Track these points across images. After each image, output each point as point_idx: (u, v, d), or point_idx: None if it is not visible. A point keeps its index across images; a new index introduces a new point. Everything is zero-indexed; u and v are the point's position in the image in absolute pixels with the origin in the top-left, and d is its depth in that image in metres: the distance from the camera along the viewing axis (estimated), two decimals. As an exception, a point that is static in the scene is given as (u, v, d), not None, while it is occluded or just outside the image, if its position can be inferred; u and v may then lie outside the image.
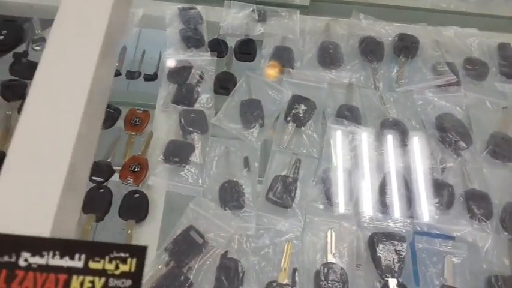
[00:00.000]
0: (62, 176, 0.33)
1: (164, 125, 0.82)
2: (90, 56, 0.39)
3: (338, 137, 0.81)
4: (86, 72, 0.38)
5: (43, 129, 0.36)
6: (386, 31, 0.96)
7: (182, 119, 0.80)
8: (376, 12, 0.99)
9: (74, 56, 0.40)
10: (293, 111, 0.82)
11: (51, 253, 0.28)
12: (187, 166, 0.77)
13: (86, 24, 0.42)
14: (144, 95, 0.93)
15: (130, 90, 0.93)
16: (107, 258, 0.28)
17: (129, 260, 0.28)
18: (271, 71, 0.89)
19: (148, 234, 0.72)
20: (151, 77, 0.86)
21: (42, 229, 0.31)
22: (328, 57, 0.90)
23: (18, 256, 0.27)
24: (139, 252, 0.28)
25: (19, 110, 0.80)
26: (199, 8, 0.96)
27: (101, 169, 0.75)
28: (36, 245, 0.28)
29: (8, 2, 0.93)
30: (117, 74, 0.85)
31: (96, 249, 0.28)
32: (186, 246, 0.69)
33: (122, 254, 0.28)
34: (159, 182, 0.76)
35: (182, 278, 0.67)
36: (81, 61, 0.39)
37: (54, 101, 0.38)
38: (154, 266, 0.68)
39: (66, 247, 0.28)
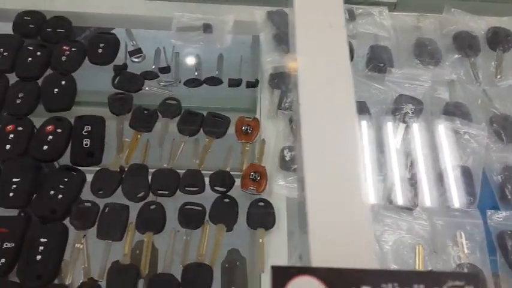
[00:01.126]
0: (367, 205, 0.32)
1: (272, 132, 0.81)
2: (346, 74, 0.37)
3: (450, 135, 0.80)
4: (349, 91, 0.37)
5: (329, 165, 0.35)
6: (478, 25, 0.95)
7: (294, 125, 0.79)
8: (464, 6, 0.97)
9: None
10: (402, 111, 0.81)
11: (389, 285, 0.27)
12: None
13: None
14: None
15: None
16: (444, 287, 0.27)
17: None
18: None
19: (277, 242, 0.72)
20: (253, 84, 0.85)
21: (367, 261, 0.30)
22: (427, 53, 0.89)
23: (357, 290, 0.27)
24: (474, 279, 0.27)
25: (130, 124, 0.79)
26: (286, 10, 0.95)
27: (223, 179, 0.74)
28: (376, 277, 0.27)
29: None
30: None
31: (434, 279, 0.27)
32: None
33: (458, 283, 0.27)
34: (279, 189, 0.75)
35: (320, 285, 0.67)
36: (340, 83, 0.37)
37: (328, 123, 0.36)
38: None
39: (405, 278, 0.27)
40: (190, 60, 0.89)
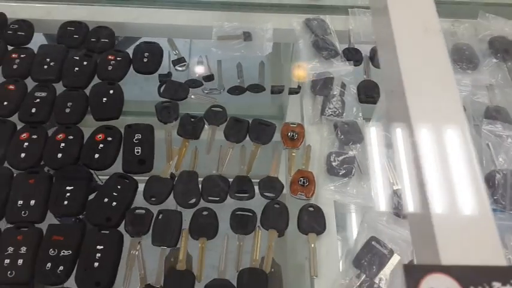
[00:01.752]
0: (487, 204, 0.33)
1: (316, 137, 0.81)
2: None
3: (495, 140, 0.80)
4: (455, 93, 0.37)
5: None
6: (510, 29, 0.95)
7: (339, 131, 0.80)
8: (498, 11, 0.98)
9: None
10: (444, 116, 0.82)
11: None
12: (352, 177, 0.76)
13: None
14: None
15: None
16: None
17: None
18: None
19: (329, 246, 0.72)
20: (296, 91, 0.86)
21: (495, 258, 0.31)
22: (465, 58, 0.89)
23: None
24: None
25: (178, 132, 0.80)
26: (323, 17, 0.95)
27: (272, 185, 0.75)
28: (507, 273, 0.27)
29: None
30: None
31: None
32: (372, 257, 0.69)
33: None
34: (329, 194, 0.75)
35: (375, 289, 0.67)
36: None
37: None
38: (344, 279, 0.68)
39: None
40: (232, 68, 0.90)
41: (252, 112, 0.91)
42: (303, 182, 0.75)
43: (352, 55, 0.90)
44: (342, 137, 0.79)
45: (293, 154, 0.79)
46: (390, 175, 0.77)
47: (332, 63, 0.88)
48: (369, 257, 0.69)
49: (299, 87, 0.86)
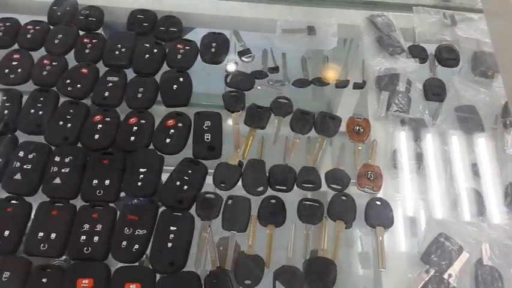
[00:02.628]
0: None
1: (382, 133, 0.81)
2: None
3: None
4: None
5: None
6: None
7: (406, 127, 0.79)
8: None
9: None
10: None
11: None
12: (419, 173, 0.76)
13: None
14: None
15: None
16: None
17: None
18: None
19: (395, 240, 0.72)
20: (361, 85, 0.86)
21: None
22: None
23: None
24: None
25: (245, 121, 0.81)
26: (387, 14, 0.95)
27: (339, 177, 0.75)
28: None
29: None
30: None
31: None
32: (441, 253, 0.68)
33: None
34: (393, 189, 0.75)
35: (444, 285, 0.66)
36: None
37: None
38: (412, 273, 0.68)
39: None
40: (297, 61, 0.90)
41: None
42: (370, 176, 0.75)
43: (417, 53, 0.90)
44: (410, 133, 0.79)
45: (359, 148, 0.79)
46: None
47: (397, 59, 0.88)
48: (438, 253, 0.68)
49: (364, 82, 0.86)
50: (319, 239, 0.71)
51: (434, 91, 0.85)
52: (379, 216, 0.72)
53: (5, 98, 0.79)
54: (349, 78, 0.87)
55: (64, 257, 0.69)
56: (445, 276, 0.67)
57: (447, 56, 0.89)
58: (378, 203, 0.73)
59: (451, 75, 0.88)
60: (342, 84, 0.86)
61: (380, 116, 0.82)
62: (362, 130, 0.80)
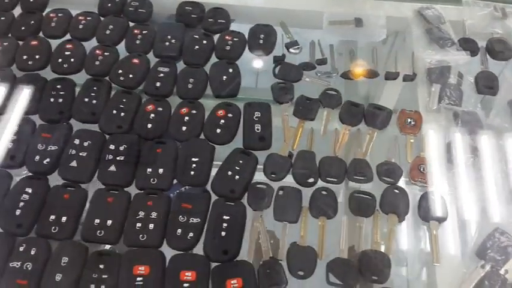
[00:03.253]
0: None
1: (433, 125, 0.79)
2: None
3: None
4: None
5: None
6: None
7: (460, 120, 0.77)
8: None
9: None
10: None
11: None
12: (473, 166, 0.74)
13: None
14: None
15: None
16: None
17: None
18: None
19: (449, 235, 0.70)
20: (411, 78, 0.84)
21: None
22: None
23: None
24: None
25: (294, 112, 0.80)
26: (436, 7, 0.93)
27: (391, 170, 0.73)
28: None
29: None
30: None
31: None
32: (497, 248, 0.67)
33: None
34: (447, 183, 0.73)
35: (500, 281, 0.65)
36: None
37: None
38: (467, 268, 0.66)
39: None
40: (345, 53, 0.88)
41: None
42: (423, 169, 0.73)
43: (468, 46, 0.87)
44: (461, 126, 0.77)
45: (411, 141, 0.77)
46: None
47: (448, 52, 0.86)
48: (494, 248, 0.67)
49: (414, 74, 0.84)
50: (370, 232, 0.70)
51: (487, 84, 0.82)
52: (433, 210, 0.70)
53: (59, 87, 0.80)
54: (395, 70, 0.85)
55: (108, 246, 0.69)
56: (502, 272, 0.65)
57: (499, 49, 0.86)
58: (432, 197, 0.71)
59: (503, 68, 0.86)
60: (391, 76, 0.85)
61: (432, 108, 0.80)
62: (414, 123, 0.78)
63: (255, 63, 0.88)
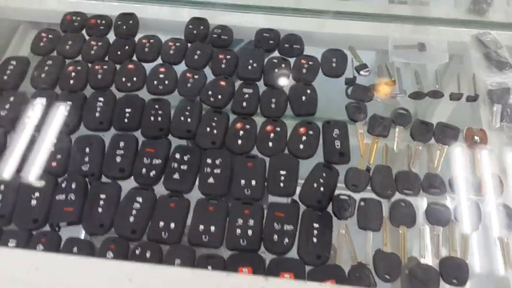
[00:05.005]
0: None
1: (496, 143, 0.83)
2: None
3: None
4: None
5: None
6: None
7: (523, 138, 0.81)
8: None
9: None
10: None
11: None
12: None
13: None
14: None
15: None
16: None
17: None
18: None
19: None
20: (474, 98, 0.88)
21: None
22: None
23: None
24: None
25: (368, 130, 0.85)
26: (492, 33, 0.97)
27: (463, 183, 0.78)
28: None
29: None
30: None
31: None
32: None
33: None
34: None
35: None
36: None
37: None
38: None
39: None
40: (411, 75, 0.93)
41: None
42: (495, 182, 0.77)
43: (525, 69, 0.91)
44: (526, 143, 0.81)
45: (477, 157, 0.81)
46: None
47: (506, 75, 0.90)
48: None
49: (477, 95, 0.88)
50: (446, 241, 0.74)
51: (546, 106, 0.86)
52: (504, 220, 0.74)
53: (156, 106, 0.86)
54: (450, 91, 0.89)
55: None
56: None
57: (556, 72, 0.90)
58: (500, 208, 0.75)
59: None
60: (456, 97, 0.89)
61: (494, 127, 0.84)
62: (480, 140, 0.82)
63: (328, 84, 0.93)
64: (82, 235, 0.75)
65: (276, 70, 0.91)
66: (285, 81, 0.91)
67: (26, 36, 1.06)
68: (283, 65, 0.92)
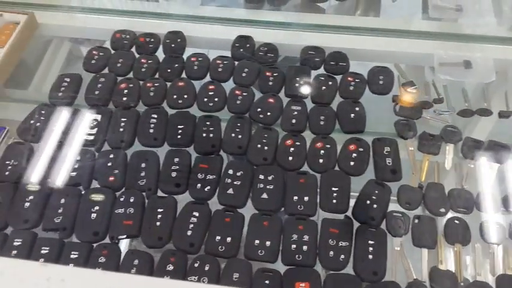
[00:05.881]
0: None
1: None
2: None
3: None
4: None
5: None
6: None
7: None
8: None
9: None
10: None
11: None
12: None
13: None
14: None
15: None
16: None
17: None
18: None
19: None
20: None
21: None
22: None
23: None
24: None
25: (419, 147, 0.86)
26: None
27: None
28: None
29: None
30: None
31: None
32: None
33: None
34: None
35: None
36: None
37: None
38: None
39: None
40: (458, 92, 0.95)
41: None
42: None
43: None
44: None
45: (532, 175, 0.82)
46: None
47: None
48: None
49: (520, 112, 0.89)
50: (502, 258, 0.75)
51: None
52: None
53: (208, 123, 0.89)
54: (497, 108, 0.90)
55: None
56: None
57: None
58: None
59: None
60: (505, 115, 0.90)
61: (545, 145, 0.85)
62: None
63: (375, 101, 0.94)
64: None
65: (323, 87, 0.94)
66: (331, 98, 0.93)
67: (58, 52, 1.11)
68: (330, 83, 0.94)
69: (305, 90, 0.94)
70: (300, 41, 1.02)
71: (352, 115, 0.89)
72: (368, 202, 0.79)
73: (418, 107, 0.91)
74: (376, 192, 0.80)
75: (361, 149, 0.85)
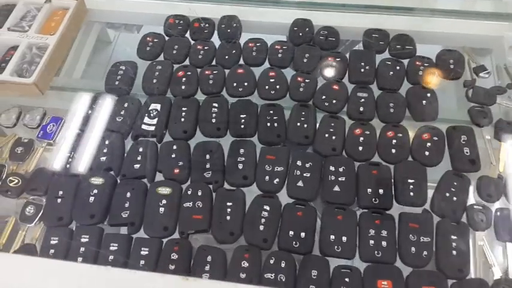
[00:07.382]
0: None
1: None
2: None
3: None
4: None
5: None
6: None
7: None
8: None
9: None
10: None
11: None
12: None
13: None
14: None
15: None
16: None
17: None
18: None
19: None
20: None
21: None
22: None
23: None
24: None
25: (495, 135, 0.81)
26: None
27: None
28: None
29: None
30: None
31: None
32: None
33: None
34: None
35: None
36: None
37: None
38: None
39: None
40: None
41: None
42: None
43: None
44: None
45: None
46: None
47: None
48: None
49: None
50: None
51: None
52: None
53: (271, 112, 0.85)
54: None
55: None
56: None
57: None
58: None
59: None
60: None
61: None
62: None
63: (445, 86, 0.89)
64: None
65: (391, 73, 0.89)
66: (399, 84, 0.88)
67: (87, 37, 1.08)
68: (397, 67, 0.90)
69: (371, 76, 0.89)
70: (359, 24, 0.97)
71: (424, 102, 0.85)
72: (447, 195, 0.75)
73: (492, 92, 0.86)
74: (455, 184, 0.76)
75: (435, 138, 0.80)
